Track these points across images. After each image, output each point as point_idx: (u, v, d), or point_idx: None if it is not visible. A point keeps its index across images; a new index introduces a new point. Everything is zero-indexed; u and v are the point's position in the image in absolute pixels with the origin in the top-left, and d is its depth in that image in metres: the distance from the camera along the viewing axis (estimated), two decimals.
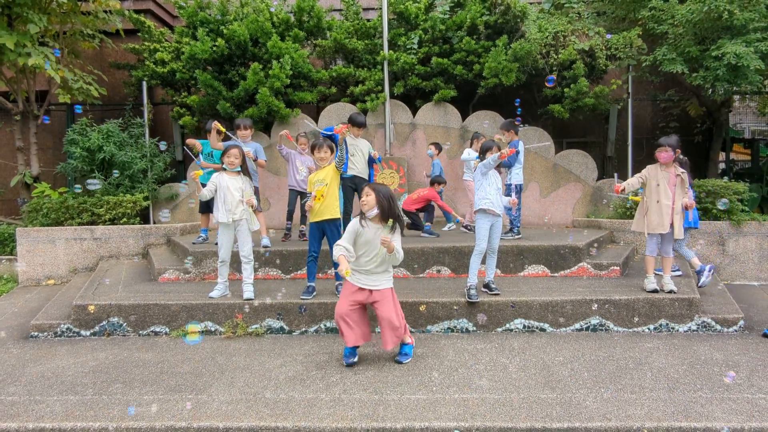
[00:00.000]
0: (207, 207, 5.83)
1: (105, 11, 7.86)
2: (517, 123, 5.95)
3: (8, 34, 6.45)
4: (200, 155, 5.72)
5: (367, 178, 5.52)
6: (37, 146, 7.93)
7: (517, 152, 5.68)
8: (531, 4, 8.10)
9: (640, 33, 7.30)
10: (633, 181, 4.30)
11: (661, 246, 4.24)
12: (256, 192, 5.51)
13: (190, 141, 5.66)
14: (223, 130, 5.21)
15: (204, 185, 4.37)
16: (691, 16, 6.38)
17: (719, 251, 6.07)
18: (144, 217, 7.57)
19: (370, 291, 3.36)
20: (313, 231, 4.21)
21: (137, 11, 9.03)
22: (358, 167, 5.36)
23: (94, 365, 3.50)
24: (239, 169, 4.35)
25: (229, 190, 4.25)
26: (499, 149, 4.14)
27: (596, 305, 3.97)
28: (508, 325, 4.02)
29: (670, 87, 8.61)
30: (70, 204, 6.92)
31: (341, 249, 3.26)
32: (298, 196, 6.02)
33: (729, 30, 6.44)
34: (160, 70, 7.97)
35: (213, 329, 4.05)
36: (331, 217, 4.19)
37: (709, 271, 4.76)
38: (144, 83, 8.04)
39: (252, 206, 4.30)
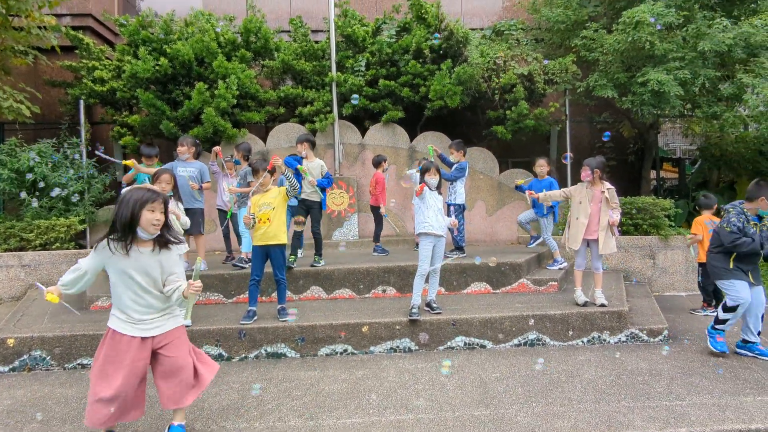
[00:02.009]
0: None
1: (40, 27, 7.53)
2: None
3: None
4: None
5: (318, 199, 5.52)
6: None
7: (463, 170, 5.84)
8: (473, 30, 8.45)
9: (575, 59, 7.76)
10: (553, 194, 4.71)
11: (591, 261, 4.46)
12: (202, 214, 5.36)
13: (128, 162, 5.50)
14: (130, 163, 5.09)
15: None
16: (618, 45, 6.86)
17: (650, 264, 6.44)
18: (81, 243, 7.19)
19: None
20: (258, 254, 4.15)
21: (77, 27, 8.71)
22: (306, 191, 5.37)
23: (9, 404, 3.24)
24: (171, 194, 4.20)
25: None
26: (438, 170, 4.26)
27: (533, 320, 4.10)
28: (449, 343, 4.07)
29: (604, 110, 9.15)
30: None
31: None
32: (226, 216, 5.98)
33: (652, 59, 6.96)
34: (98, 88, 7.69)
35: None
36: (277, 242, 4.15)
37: (560, 264, 5.59)
38: (81, 101, 7.72)
39: (179, 218, 4.18)
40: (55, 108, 8.69)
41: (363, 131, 8.13)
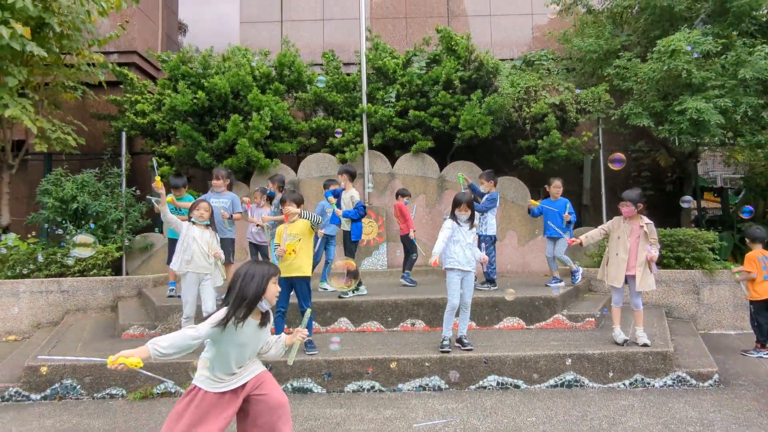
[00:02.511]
0: None
1: (89, 64, 8.00)
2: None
3: None
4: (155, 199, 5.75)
5: (348, 230, 5.61)
6: (10, 196, 7.80)
7: (494, 200, 5.76)
8: (503, 60, 8.47)
9: (608, 88, 7.64)
10: (594, 234, 4.40)
11: (630, 298, 4.23)
12: (232, 244, 5.44)
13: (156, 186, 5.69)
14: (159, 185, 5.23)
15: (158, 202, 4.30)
16: (653, 74, 6.72)
17: (694, 300, 6.09)
18: (117, 268, 7.39)
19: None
20: (282, 285, 4.13)
21: (123, 63, 9.21)
22: (343, 219, 5.55)
23: None
24: (208, 222, 4.32)
25: (197, 241, 4.22)
26: (470, 205, 4.16)
27: (570, 360, 3.90)
28: (481, 383, 3.90)
29: (639, 138, 8.92)
30: (38, 255, 6.73)
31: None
32: (257, 249, 6.13)
33: (689, 87, 6.77)
34: (140, 120, 8.05)
35: (173, 390, 3.85)
36: (301, 275, 4.14)
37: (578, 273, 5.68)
38: (123, 133, 8.08)
39: (220, 259, 4.26)
40: (100, 139, 9.12)
41: (393, 161, 8.17)
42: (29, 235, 7.57)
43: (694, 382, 3.93)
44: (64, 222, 7.21)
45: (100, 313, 6.36)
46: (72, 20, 7.13)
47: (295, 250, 4.08)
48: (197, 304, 4.29)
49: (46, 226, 7.68)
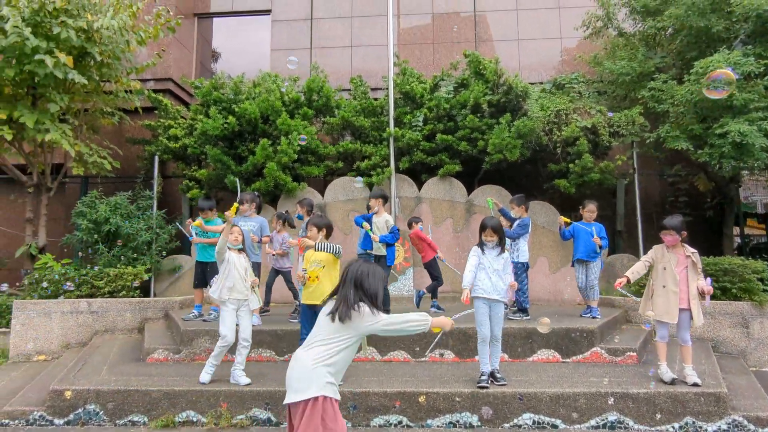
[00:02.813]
0: (202, 282, 5.71)
1: (126, 91, 8.29)
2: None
3: (30, 112, 6.76)
4: (193, 231, 5.81)
5: (384, 254, 5.50)
6: (47, 217, 8.04)
7: (526, 226, 5.57)
8: (532, 84, 8.37)
9: (642, 111, 7.42)
10: (638, 268, 4.10)
11: (677, 332, 3.95)
12: (258, 268, 5.41)
13: (189, 222, 5.77)
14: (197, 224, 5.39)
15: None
16: (690, 96, 6.49)
17: (743, 334, 5.68)
18: (145, 289, 7.46)
19: None
20: (305, 313, 4.05)
21: (158, 90, 9.52)
22: (374, 246, 5.44)
23: None
24: (241, 246, 4.33)
25: (236, 268, 4.21)
26: (497, 230, 3.99)
27: (613, 399, 3.64)
28: (516, 420, 3.67)
29: (676, 162, 8.60)
30: (70, 276, 6.86)
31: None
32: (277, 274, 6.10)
33: (730, 109, 6.51)
34: (172, 145, 8.24)
35: (195, 419, 3.76)
36: (323, 303, 4.00)
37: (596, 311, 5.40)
38: (156, 157, 8.27)
39: (256, 285, 4.29)
40: (134, 163, 9.37)
41: (419, 185, 8.08)
42: (66, 256, 7.77)
43: (752, 427, 3.60)
44: (96, 243, 7.36)
45: (127, 335, 6.38)
46: (112, 50, 7.42)
47: (318, 276, 3.98)
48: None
49: (79, 247, 7.86)
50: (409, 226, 6.58)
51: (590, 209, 6.02)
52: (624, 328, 5.73)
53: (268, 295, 6.15)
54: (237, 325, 4.20)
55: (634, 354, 4.55)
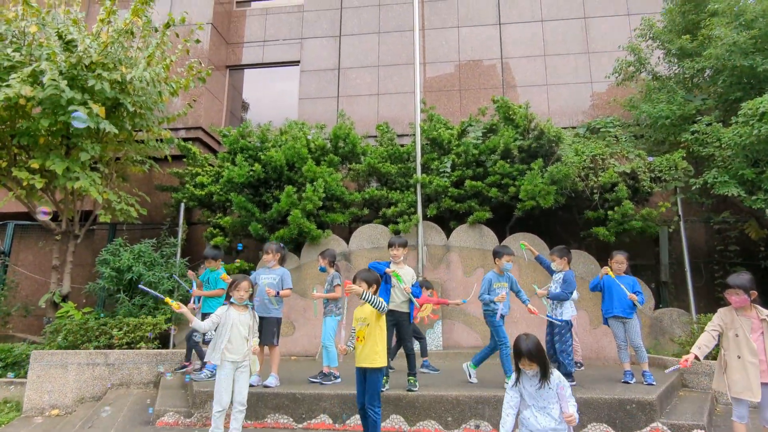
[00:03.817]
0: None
1: (157, 140, 8.43)
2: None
3: (61, 161, 6.87)
4: (193, 283, 5.64)
5: (408, 310, 4.81)
6: (73, 264, 8.02)
7: (570, 283, 5.05)
8: (564, 128, 8.10)
9: (685, 155, 7.02)
10: (705, 341, 3.52)
11: (761, 411, 3.38)
12: (278, 324, 5.08)
13: (190, 273, 5.60)
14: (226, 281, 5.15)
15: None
16: (739, 139, 6.08)
17: None
18: (165, 339, 7.23)
19: None
20: (358, 377, 3.67)
21: (188, 139, 9.69)
22: (396, 300, 4.67)
23: None
24: (248, 302, 4.03)
25: (237, 327, 3.90)
26: (534, 356, 3.12)
27: None
28: None
29: (723, 208, 8.05)
30: (90, 326, 6.71)
31: None
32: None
33: None
34: (198, 192, 8.23)
35: None
36: (369, 366, 3.62)
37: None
38: (182, 204, 8.26)
39: (255, 353, 4.01)
40: (161, 210, 9.42)
41: (448, 232, 7.76)
42: (91, 304, 7.68)
43: None
44: (118, 292, 7.24)
45: (142, 389, 6.10)
46: (145, 100, 7.59)
47: (364, 336, 3.62)
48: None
49: (103, 295, 7.76)
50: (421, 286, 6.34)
51: (618, 260, 5.34)
52: (682, 394, 5.10)
53: (190, 351, 5.82)
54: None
55: (702, 431, 3.95)
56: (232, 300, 4.01)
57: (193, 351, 6.03)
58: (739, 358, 3.36)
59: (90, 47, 6.71)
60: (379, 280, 3.92)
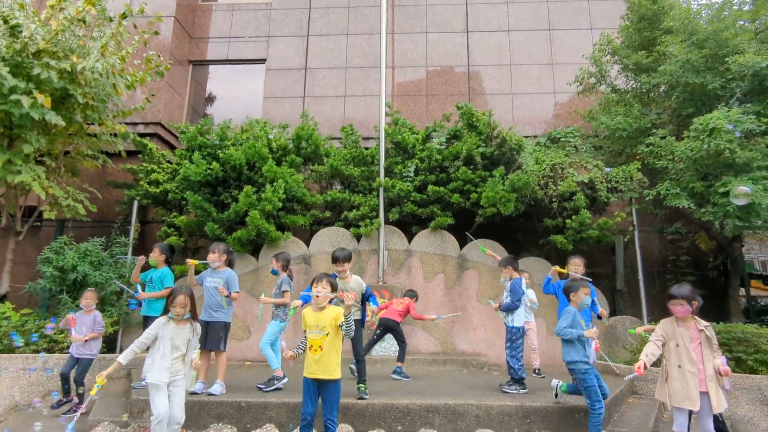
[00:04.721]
0: None
1: (112, 134, 8.05)
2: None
3: (2, 152, 6.45)
4: (137, 286, 5.38)
5: (360, 317, 4.70)
6: (15, 263, 7.55)
7: (523, 292, 5.09)
8: (526, 137, 8.21)
9: (640, 167, 7.21)
10: (651, 349, 3.56)
11: (698, 420, 3.45)
12: (225, 329, 4.87)
13: (141, 259, 5.37)
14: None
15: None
16: (690, 153, 6.28)
17: (763, 413, 5.14)
18: (111, 342, 6.88)
19: None
20: (307, 387, 3.49)
21: (147, 134, 9.32)
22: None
23: None
24: (188, 315, 3.78)
25: (174, 341, 3.67)
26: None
27: None
28: None
29: (675, 219, 8.34)
30: (28, 328, 6.30)
31: None
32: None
33: (732, 167, 6.29)
34: (153, 190, 7.91)
35: None
36: (329, 378, 3.47)
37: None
38: (135, 202, 7.92)
39: (196, 369, 3.78)
40: (114, 208, 9.00)
41: (410, 237, 7.71)
42: (34, 305, 7.23)
43: None
44: (61, 292, 6.85)
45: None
46: (97, 92, 7.23)
47: (321, 346, 3.45)
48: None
49: (45, 296, 7.33)
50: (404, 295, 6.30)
51: (575, 263, 5.26)
52: (631, 401, 5.19)
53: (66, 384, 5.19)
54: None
55: None
56: (170, 315, 3.76)
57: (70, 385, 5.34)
58: (680, 367, 3.41)
59: (36, 33, 6.34)
60: (336, 285, 3.77)
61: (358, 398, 4.24)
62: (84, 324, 5.27)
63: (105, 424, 4.20)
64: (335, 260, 4.60)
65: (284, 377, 4.83)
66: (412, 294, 6.24)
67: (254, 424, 4.09)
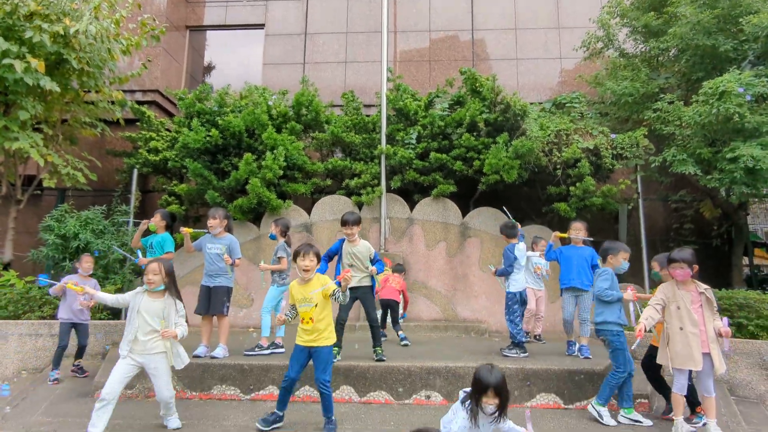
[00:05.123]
0: None
1: (109, 101, 7.91)
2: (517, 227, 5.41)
3: None
4: (138, 252, 5.35)
5: (370, 284, 4.75)
6: (18, 231, 7.56)
7: (515, 258, 5.10)
8: (531, 103, 8.03)
9: (646, 133, 7.07)
10: (650, 313, 3.55)
11: (698, 381, 3.46)
12: (228, 293, 4.88)
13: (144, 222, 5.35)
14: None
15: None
16: (699, 118, 6.13)
17: (762, 377, 5.17)
18: (115, 311, 6.94)
19: None
20: (298, 353, 3.51)
21: (145, 102, 9.18)
22: (358, 276, 4.56)
23: None
24: (162, 287, 3.52)
25: (142, 315, 3.42)
26: (498, 391, 2.73)
27: None
28: None
29: (680, 187, 8.23)
30: (32, 295, 6.36)
31: None
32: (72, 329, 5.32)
33: (741, 132, 6.15)
34: (152, 158, 7.83)
35: None
36: (323, 344, 3.49)
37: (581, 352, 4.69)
38: (135, 170, 7.86)
39: (174, 337, 3.46)
40: (113, 176, 8.94)
41: (412, 205, 7.65)
42: (37, 273, 7.27)
43: None
44: (64, 260, 6.87)
45: (89, 361, 5.84)
46: (92, 57, 7.07)
47: (312, 318, 3.44)
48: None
49: (50, 264, 7.36)
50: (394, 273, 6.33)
51: (576, 227, 5.27)
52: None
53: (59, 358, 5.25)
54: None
55: (646, 401, 4.05)
56: (145, 286, 3.52)
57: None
58: (681, 329, 3.41)
59: None
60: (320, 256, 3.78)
61: (377, 360, 4.29)
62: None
63: None
64: (344, 223, 4.59)
65: (268, 348, 4.79)
66: (401, 269, 6.31)
67: (257, 385, 4.14)
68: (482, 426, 2.70)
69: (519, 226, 5.47)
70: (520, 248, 5.21)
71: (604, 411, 3.75)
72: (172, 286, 3.53)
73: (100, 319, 6.38)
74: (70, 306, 5.27)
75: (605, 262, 4.21)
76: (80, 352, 5.40)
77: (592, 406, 3.79)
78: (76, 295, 5.15)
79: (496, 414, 2.68)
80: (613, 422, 3.71)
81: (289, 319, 3.51)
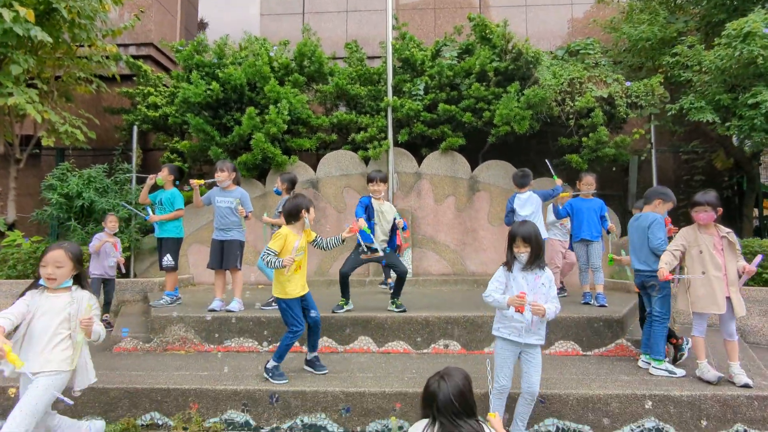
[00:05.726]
0: (173, 267, 5.11)
1: (103, 56, 7.58)
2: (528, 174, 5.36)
3: None
4: (148, 209, 5.26)
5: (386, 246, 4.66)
6: (20, 192, 7.42)
7: (510, 208, 5.14)
8: (543, 51, 7.72)
9: (662, 81, 6.83)
10: (669, 258, 3.43)
11: (721, 325, 3.44)
12: (240, 247, 4.80)
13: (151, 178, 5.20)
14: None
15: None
16: (720, 62, 5.89)
17: None
18: (125, 268, 6.91)
19: None
20: (296, 306, 3.50)
21: (139, 57, 8.81)
22: (380, 237, 4.49)
23: None
24: (69, 283, 2.72)
25: (42, 320, 2.62)
26: (528, 240, 2.89)
27: (651, 402, 3.13)
28: (536, 427, 3.17)
29: (693, 138, 8.05)
30: (39, 255, 6.28)
31: None
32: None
33: (762, 77, 5.92)
34: (152, 114, 7.59)
35: (160, 422, 3.24)
36: (308, 290, 3.64)
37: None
38: (135, 128, 7.63)
39: (88, 329, 2.64)
40: (113, 134, 8.71)
41: (419, 159, 7.49)
42: (42, 233, 7.19)
43: None
44: (69, 219, 6.78)
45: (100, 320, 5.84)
46: (83, 7, 6.70)
47: (301, 265, 3.54)
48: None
49: (54, 223, 7.26)
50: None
51: (587, 182, 5.29)
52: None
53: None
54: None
55: (666, 348, 4.04)
56: (40, 281, 2.72)
57: None
58: (704, 273, 3.35)
59: None
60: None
61: (400, 311, 4.30)
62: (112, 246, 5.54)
63: (128, 339, 4.27)
64: (371, 180, 4.58)
65: None
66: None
67: (274, 337, 4.14)
68: (519, 281, 2.93)
69: (559, 182, 5.48)
70: (521, 197, 5.18)
71: (670, 365, 3.55)
72: (80, 277, 2.80)
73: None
74: (102, 262, 5.42)
75: (650, 206, 3.84)
76: (107, 307, 5.55)
77: (655, 367, 3.55)
78: (108, 253, 5.41)
79: (532, 263, 2.89)
80: (682, 372, 3.50)
81: (298, 259, 3.46)
